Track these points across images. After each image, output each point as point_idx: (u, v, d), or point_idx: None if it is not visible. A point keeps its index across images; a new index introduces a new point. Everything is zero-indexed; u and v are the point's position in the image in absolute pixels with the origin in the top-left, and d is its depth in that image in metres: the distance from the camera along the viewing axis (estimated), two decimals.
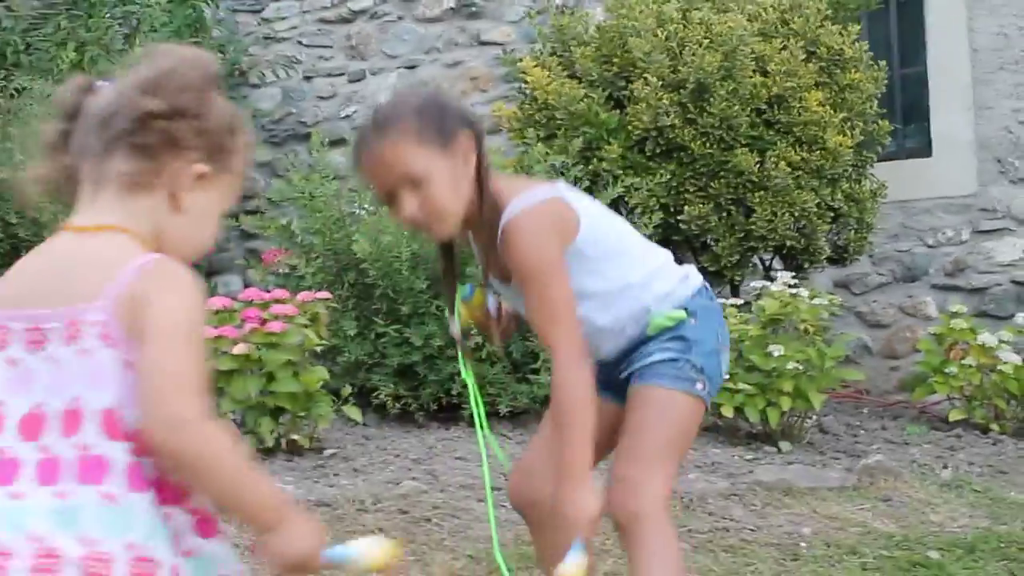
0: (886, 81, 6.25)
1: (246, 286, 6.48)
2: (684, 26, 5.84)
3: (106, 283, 1.57)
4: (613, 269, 2.48)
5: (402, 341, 5.17)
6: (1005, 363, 5.57)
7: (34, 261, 1.69)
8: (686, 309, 2.50)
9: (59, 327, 1.58)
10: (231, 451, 1.56)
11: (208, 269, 7.83)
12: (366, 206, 5.57)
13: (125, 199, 1.66)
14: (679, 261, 2.69)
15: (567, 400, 2.30)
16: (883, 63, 6.26)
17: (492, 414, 5.10)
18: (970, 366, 5.65)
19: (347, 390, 4.91)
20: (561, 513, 2.27)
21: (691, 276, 2.60)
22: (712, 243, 5.86)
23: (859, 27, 6.20)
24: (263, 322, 4.48)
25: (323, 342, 4.74)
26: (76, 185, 1.71)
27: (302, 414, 4.56)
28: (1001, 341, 5.69)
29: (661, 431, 2.42)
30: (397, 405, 5.17)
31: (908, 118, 7.15)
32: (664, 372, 2.44)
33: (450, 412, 5.23)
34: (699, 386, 2.47)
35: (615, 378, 2.54)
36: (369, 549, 1.76)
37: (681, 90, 5.71)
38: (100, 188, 1.67)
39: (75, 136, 1.70)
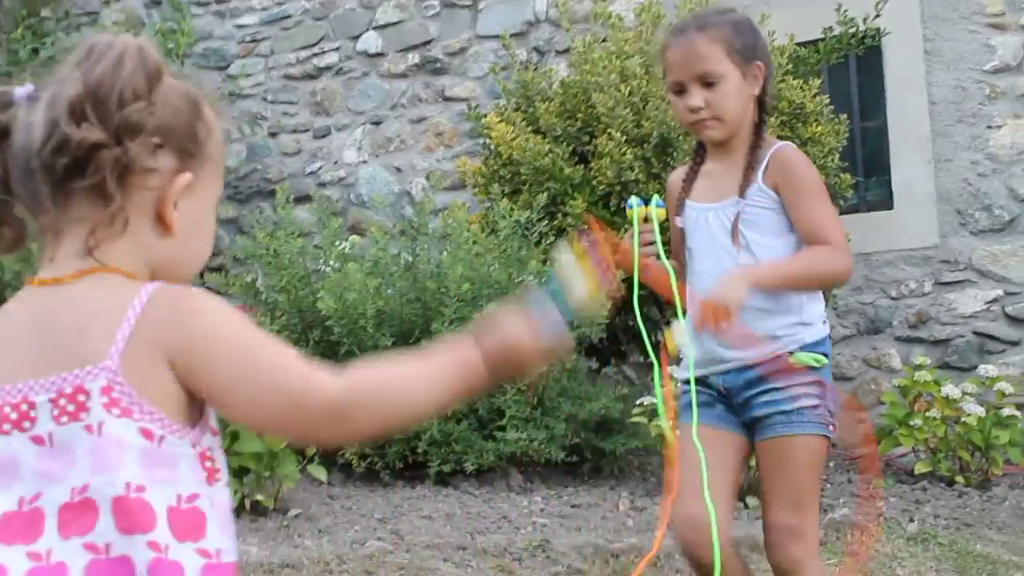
0: (847, 134, 6.31)
1: None
2: (647, 81, 5.88)
3: (111, 336, 1.31)
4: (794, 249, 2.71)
5: None
6: (969, 415, 5.59)
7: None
8: (825, 354, 2.71)
9: (49, 400, 1.31)
10: (391, 387, 1.41)
11: None
12: (331, 263, 5.56)
13: (100, 243, 1.36)
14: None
15: (833, 263, 2.65)
16: (844, 117, 6.32)
17: (458, 472, 5.08)
18: (934, 418, 5.67)
19: (312, 449, 4.87)
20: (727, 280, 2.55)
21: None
22: None
23: (820, 81, 6.26)
24: None
25: None
26: (22, 232, 1.42)
27: (267, 474, 4.53)
28: (964, 393, 5.71)
29: (809, 477, 2.69)
30: (363, 464, 5.15)
31: (869, 171, 7.20)
32: (809, 419, 2.66)
33: (416, 470, 5.20)
34: (831, 428, 2.71)
35: (736, 402, 2.72)
36: (572, 277, 1.74)
37: (645, 145, 5.74)
38: (64, 236, 1.37)
39: (12, 177, 1.38)
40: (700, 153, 2.85)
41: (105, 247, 1.36)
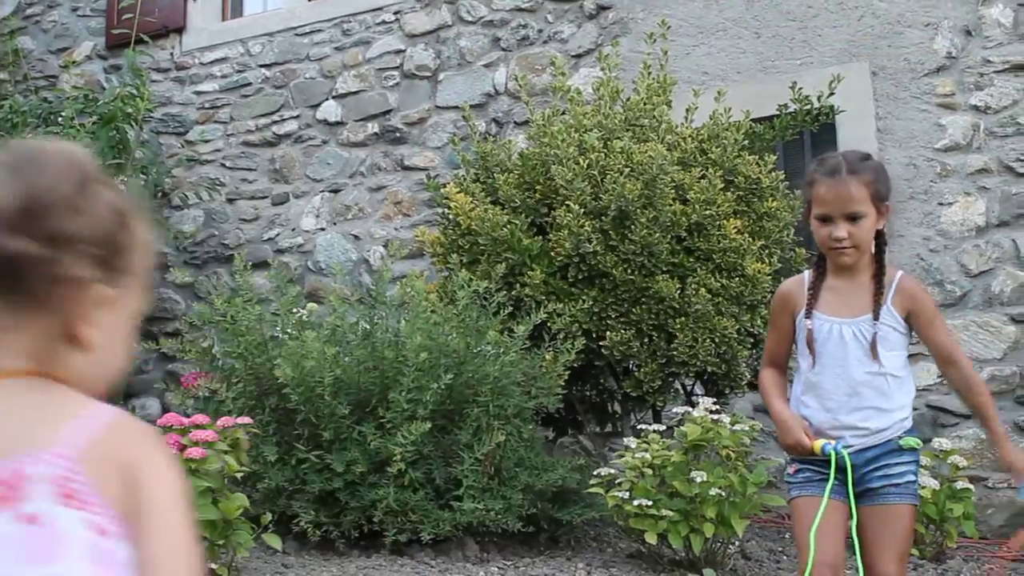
0: (802, 210, 6.39)
1: (165, 410, 6.40)
2: (605, 155, 5.94)
3: (62, 425, 1.26)
4: (905, 359, 3.37)
5: (323, 467, 5.11)
6: (923, 487, 5.61)
7: None
8: (918, 438, 3.34)
9: None
10: None
11: (125, 391, 7.71)
12: (288, 330, 5.55)
13: (9, 347, 1.32)
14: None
15: (981, 386, 3.41)
16: (799, 192, 6.40)
17: (414, 541, 5.05)
18: None
19: (267, 517, 4.82)
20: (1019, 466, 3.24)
21: None
22: (634, 368, 5.90)
23: (775, 157, 6.34)
24: (182, 448, 4.41)
25: (243, 468, 4.67)
26: None
27: (221, 542, 4.47)
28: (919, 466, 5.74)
29: (908, 537, 3.30)
30: (318, 532, 5.09)
31: None
32: (911, 491, 3.29)
33: (371, 539, 5.15)
34: (919, 497, 3.42)
35: (854, 476, 3.24)
36: None
37: (603, 217, 5.79)
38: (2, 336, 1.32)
39: None
40: (821, 269, 3.38)
41: (15, 351, 1.31)
